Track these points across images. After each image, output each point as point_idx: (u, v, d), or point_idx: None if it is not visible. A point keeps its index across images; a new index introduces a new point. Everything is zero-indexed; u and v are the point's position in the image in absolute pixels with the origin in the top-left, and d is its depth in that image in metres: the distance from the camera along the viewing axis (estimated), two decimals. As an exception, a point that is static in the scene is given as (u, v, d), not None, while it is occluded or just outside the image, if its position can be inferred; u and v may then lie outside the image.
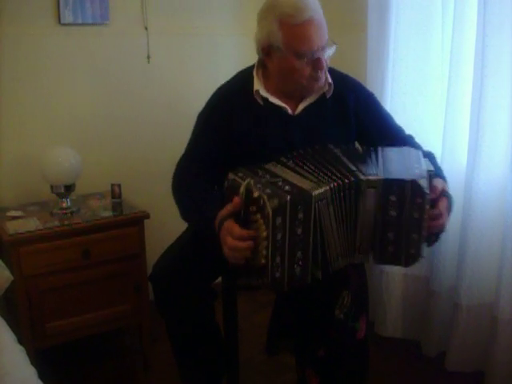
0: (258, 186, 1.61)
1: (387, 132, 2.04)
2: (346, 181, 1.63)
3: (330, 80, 1.96)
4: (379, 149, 1.83)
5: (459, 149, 2.37)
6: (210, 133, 2.00)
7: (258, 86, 1.95)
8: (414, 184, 1.61)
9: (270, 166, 1.76)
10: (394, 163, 1.73)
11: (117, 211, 2.56)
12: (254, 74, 1.99)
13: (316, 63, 1.85)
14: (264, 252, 1.57)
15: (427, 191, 1.63)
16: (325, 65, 1.86)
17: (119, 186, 2.66)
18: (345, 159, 1.75)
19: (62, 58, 2.72)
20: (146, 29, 2.89)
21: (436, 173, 1.77)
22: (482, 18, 2.12)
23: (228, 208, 1.67)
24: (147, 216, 2.55)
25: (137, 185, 2.93)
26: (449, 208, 1.77)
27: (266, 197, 1.55)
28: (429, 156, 1.87)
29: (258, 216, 1.58)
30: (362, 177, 1.64)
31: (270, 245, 1.56)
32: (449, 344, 2.47)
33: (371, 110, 2.06)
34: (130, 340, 2.82)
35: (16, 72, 2.62)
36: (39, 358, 2.30)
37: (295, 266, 1.60)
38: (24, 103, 2.67)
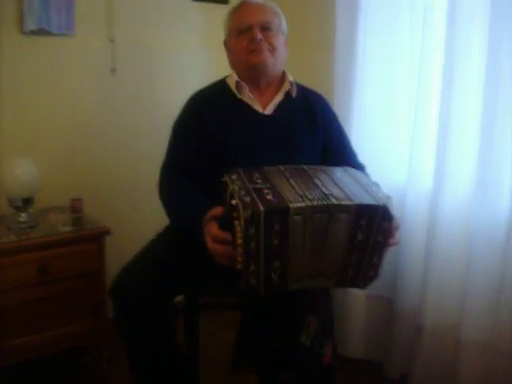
0: (242, 191, 1.63)
1: (344, 153, 2.11)
2: (324, 203, 1.61)
3: (291, 79, 2.08)
4: (324, 168, 1.86)
5: (425, 171, 2.37)
6: (186, 137, 2.04)
7: (235, 78, 2.04)
8: (384, 209, 1.62)
9: (268, 171, 1.78)
10: (351, 186, 1.73)
11: (76, 226, 2.49)
12: (228, 79, 2.09)
13: (250, 35, 1.97)
14: (239, 258, 1.60)
15: (394, 215, 1.65)
16: (259, 35, 1.97)
17: (80, 200, 2.59)
18: (317, 181, 1.74)
19: (24, 67, 2.65)
20: (112, 41, 2.84)
21: None
22: (451, 40, 2.15)
23: (212, 212, 1.76)
24: (108, 232, 2.49)
25: (99, 199, 2.86)
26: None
27: (241, 206, 1.57)
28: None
29: (237, 223, 1.59)
30: (335, 201, 1.62)
31: (244, 253, 1.58)
32: (412, 366, 2.45)
33: (334, 127, 2.14)
34: (87, 359, 2.74)
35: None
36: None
37: (272, 274, 1.61)
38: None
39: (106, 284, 2.45)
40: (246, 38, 1.99)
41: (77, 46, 2.76)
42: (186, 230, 1.88)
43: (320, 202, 1.60)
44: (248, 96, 2.02)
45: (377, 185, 1.81)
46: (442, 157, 2.22)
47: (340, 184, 1.73)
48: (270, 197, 1.60)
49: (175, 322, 1.98)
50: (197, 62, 3.16)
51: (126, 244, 2.74)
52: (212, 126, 1.99)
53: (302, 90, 2.12)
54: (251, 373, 1.99)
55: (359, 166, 2.10)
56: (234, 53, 2.05)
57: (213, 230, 1.71)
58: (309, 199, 1.61)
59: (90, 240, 2.46)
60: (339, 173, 1.82)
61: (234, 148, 1.97)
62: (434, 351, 2.38)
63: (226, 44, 2.12)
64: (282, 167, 1.82)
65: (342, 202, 1.61)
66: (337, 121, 2.18)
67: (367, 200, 1.64)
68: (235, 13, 2.06)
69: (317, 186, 1.70)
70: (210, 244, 1.71)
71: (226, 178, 1.74)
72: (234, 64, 2.09)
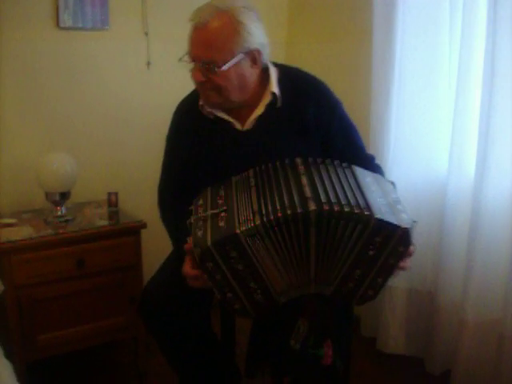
0: (199, 223, 1.59)
1: (351, 147, 1.93)
2: (288, 212, 1.49)
3: (272, 89, 1.84)
4: (353, 168, 1.71)
5: (467, 159, 2.30)
6: (174, 154, 1.98)
7: (201, 100, 1.88)
8: (404, 232, 1.51)
9: (235, 183, 1.70)
10: (377, 196, 1.60)
11: (113, 220, 2.50)
12: None
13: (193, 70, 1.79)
14: (215, 290, 1.57)
15: (412, 242, 1.54)
16: (198, 76, 1.76)
17: (116, 194, 2.60)
18: (305, 180, 1.59)
19: (60, 62, 2.67)
20: (147, 34, 2.84)
21: None
22: (492, 25, 2.07)
23: (185, 246, 1.65)
24: (144, 226, 2.49)
25: (135, 194, 2.86)
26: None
27: (192, 244, 1.54)
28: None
29: None
30: (312, 206, 1.48)
31: (213, 285, 1.55)
32: (454, 361, 2.38)
33: (336, 120, 1.90)
34: (124, 353, 2.74)
35: (12, 75, 2.57)
36: (30, 371, 2.24)
37: (254, 294, 1.57)
38: (20, 108, 2.61)
39: (143, 277, 2.46)
40: (192, 70, 1.79)
41: (112, 39, 2.77)
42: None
43: (284, 212, 1.49)
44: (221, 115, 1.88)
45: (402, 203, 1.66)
46: (484, 144, 2.14)
47: (366, 190, 1.59)
48: (222, 223, 1.54)
49: (211, 329, 1.99)
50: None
51: (162, 238, 2.74)
52: (191, 144, 1.90)
53: (293, 90, 1.86)
54: (266, 376, 1.96)
55: (371, 158, 1.97)
56: None
57: (185, 267, 1.66)
58: (263, 213, 1.50)
59: (127, 233, 2.46)
60: (369, 178, 1.69)
61: (214, 168, 1.87)
62: (477, 346, 2.30)
63: None
64: (252, 172, 1.70)
65: (359, 212, 1.49)
66: (339, 118, 1.92)
67: (389, 218, 1.51)
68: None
69: (300, 186, 1.57)
70: (188, 279, 1.67)
71: (192, 206, 1.70)
72: None
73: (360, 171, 1.71)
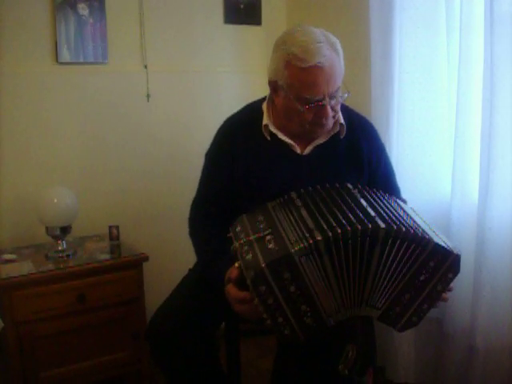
0: (245, 248, 1.57)
1: (389, 189, 1.97)
2: (358, 227, 1.50)
3: (341, 120, 1.87)
4: (395, 198, 1.78)
5: (470, 185, 2.28)
6: (218, 172, 1.95)
7: (267, 120, 1.87)
8: (456, 258, 1.56)
9: (273, 208, 1.70)
10: (420, 222, 1.64)
11: (114, 254, 2.48)
12: (264, 107, 1.91)
13: (320, 110, 1.74)
14: (264, 315, 1.52)
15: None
16: (330, 112, 1.75)
17: (117, 227, 2.58)
18: (364, 201, 1.65)
19: (60, 96, 2.68)
20: (146, 67, 2.84)
21: None
22: (489, 48, 2.07)
23: (228, 274, 1.68)
24: (146, 259, 2.47)
25: (136, 227, 2.86)
26: None
27: (244, 267, 1.52)
28: None
29: (248, 281, 1.52)
30: (382, 224, 1.52)
31: (264, 310, 1.52)
32: (465, 390, 2.33)
33: (381, 162, 1.99)
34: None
35: (11, 110, 2.57)
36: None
37: (304, 318, 1.53)
38: (19, 142, 2.61)
39: (146, 311, 2.43)
40: (311, 111, 1.74)
41: (111, 73, 2.78)
42: (211, 280, 1.82)
43: (335, 231, 1.49)
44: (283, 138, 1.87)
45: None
46: (486, 168, 2.13)
47: (412, 215, 1.66)
48: (271, 245, 1.52)
49: (218, 356, 1.94)
50: (230, 84, 3.14)
51: (164, 271, 2.73)
52: (244, 160, 1.88)
53: (349, 124, 1.90)
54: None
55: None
56: (293, 115, 1.79)
57: (232, 292, 1.65)
58: (324, 229, 1.50)
59: (129, 267, 2.44)
60: (408, 208, 1.75)
61: (268, 189, 1.85)
62: (488, 374, 2.25)
63: (275, 89, 1.81)
64: (294, 194, 1.72)
65: (420, 235, 1.53)
66: (385, 156, 2.02)
67: (443, 243, 1.56)
68: (301, 73, 1.70)
69: (362, 206, 1.61)
70: (234, 306, 1.66)
71: (231, 233, 1.69)
72: (284, 116, 1.84)
73: (399, 199, 1.80)
